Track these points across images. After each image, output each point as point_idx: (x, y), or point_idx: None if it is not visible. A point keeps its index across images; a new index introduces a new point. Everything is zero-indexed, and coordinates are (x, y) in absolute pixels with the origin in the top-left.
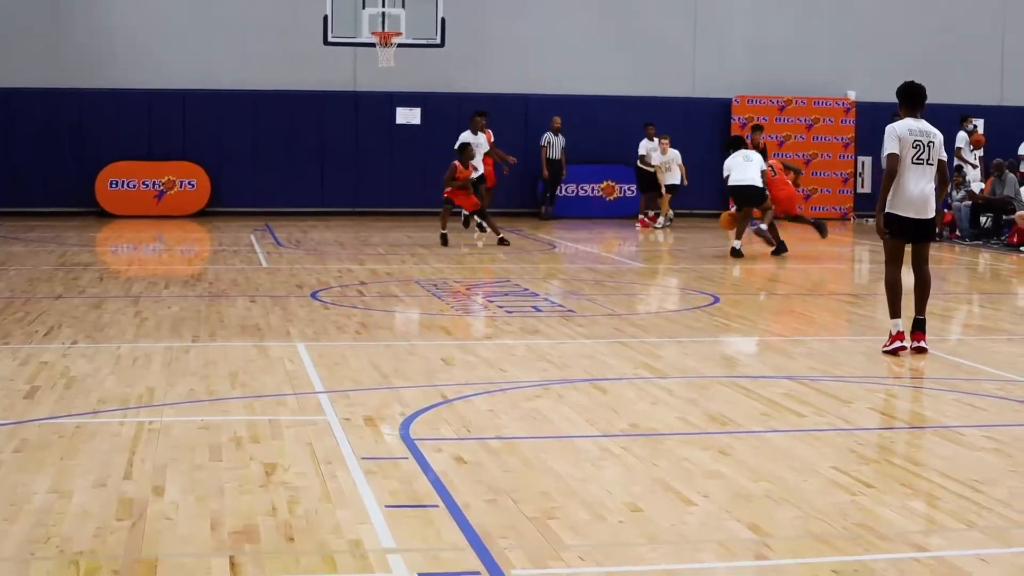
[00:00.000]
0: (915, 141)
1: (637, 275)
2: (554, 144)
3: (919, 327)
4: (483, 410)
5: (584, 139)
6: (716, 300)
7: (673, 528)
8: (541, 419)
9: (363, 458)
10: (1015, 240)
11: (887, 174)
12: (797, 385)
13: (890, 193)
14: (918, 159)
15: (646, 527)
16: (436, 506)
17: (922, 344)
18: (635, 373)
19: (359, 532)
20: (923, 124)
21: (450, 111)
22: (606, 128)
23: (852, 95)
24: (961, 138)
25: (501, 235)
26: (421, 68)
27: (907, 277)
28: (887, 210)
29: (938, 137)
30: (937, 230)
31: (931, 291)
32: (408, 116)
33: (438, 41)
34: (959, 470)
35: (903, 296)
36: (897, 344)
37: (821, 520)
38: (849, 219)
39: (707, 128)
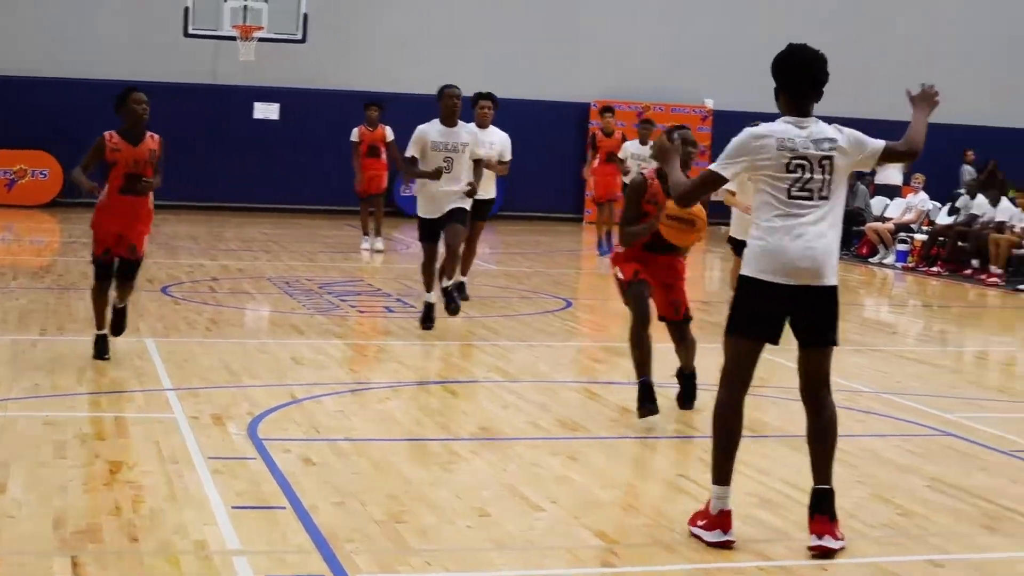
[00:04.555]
0: (793, 161)
1: (490, 277)
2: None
3: (821, 506)
4: (332, 411)
5: None
6: (569, 304)
7: (521, 534)
8: (391, 421)
9: (210, 457)
10: (864, 251)
11: (698, 187)
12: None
13: (750, 248)
14: (802, 190)
15: (494, 532)
16: (283, 508)
17: (826, 543)
18: (486, 376)
19: (204, 533)
20: (814, 127)
21: (310, 107)
22: None
23: (709, 103)
24: None
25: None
26: (282, 63)
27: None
28: (743, 272)
29: (844, 141)
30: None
31: None
32: (266, 111)
33: (300, 36)
34: (804, 479)
35: (739, 439)
36: (718, 535)
37: (668, 528)
38: None
39: (565, 133)
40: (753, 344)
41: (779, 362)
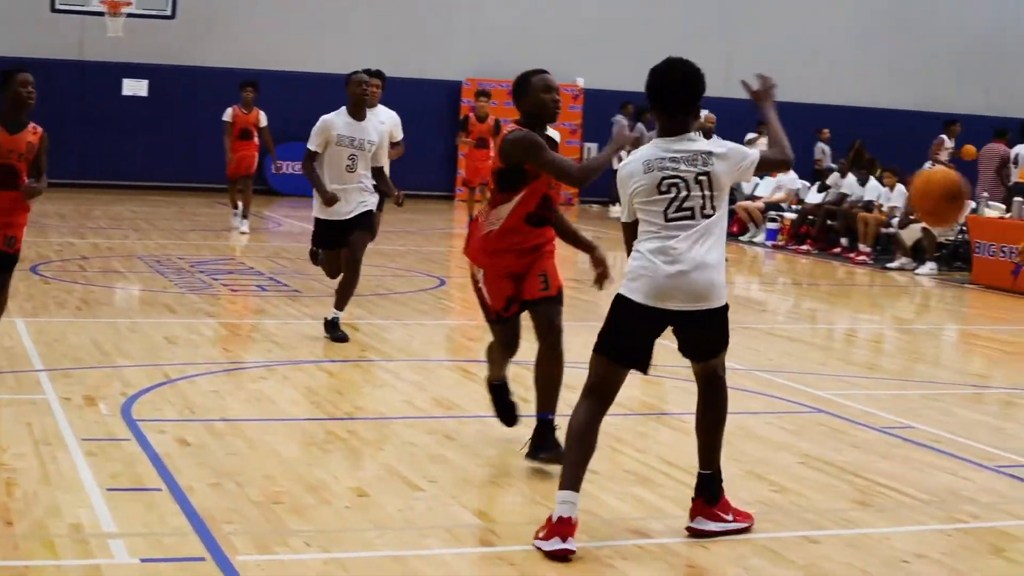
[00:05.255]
0: (666, 181)
1: (363, 255)
2: None
3: (697, 489)
4: (207, 391)
5: (313, 117)
6: (442, 283)
7: (400, 514)
8: (266, 401)
9: (83, 439)
10: (735, 230)
11: (626, 243)
12: (522, 370)
13: (628, 267)
14: (679, 210)
15: (372, 512)
16: (159, 489)
17: (696, 524)
18: (361, 355)
19: (80, 516)
20: (687, 144)
21: (179, 84)
22: (335, 106)
23: (580, 82)
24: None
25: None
26: (151, 39)
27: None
28: (619, 290)
29: (721, 153)
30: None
31: None
32: (135, 88)
33: (168, 12)
34: (681, 457)
35: (592, 453)
36: (555, 543)
37: (546, 506)
38: (573, 204)
39: (436, 111)
40: (618, 367)
41: (660, 343)
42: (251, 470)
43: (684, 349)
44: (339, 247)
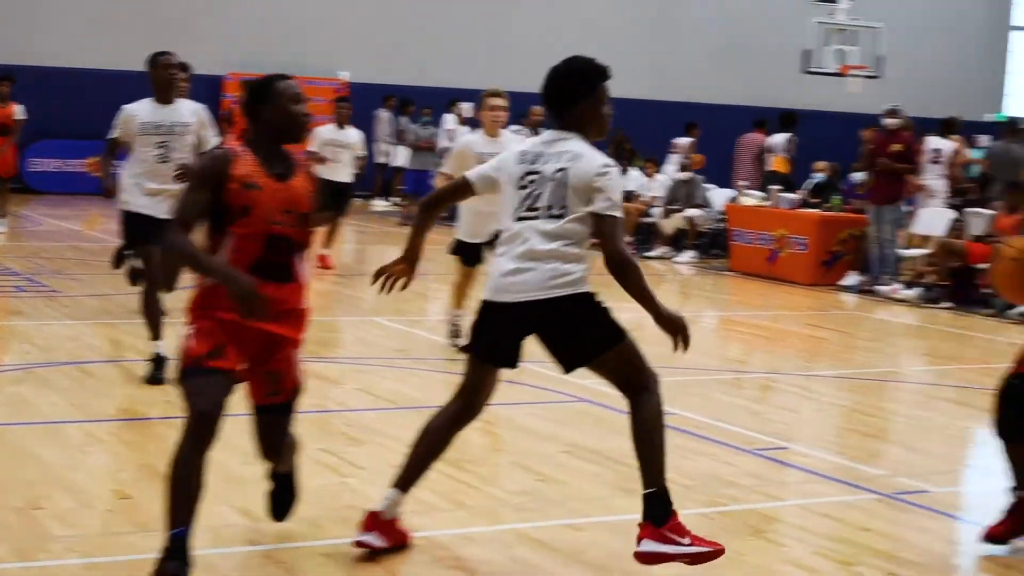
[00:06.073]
0: (528, 176)
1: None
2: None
3: (654, 511)
4: None
5: (69, 114)
6: None
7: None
8: (24, 404)
9: None
10: None
11: (439, 191)
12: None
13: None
14: (529, 210)
15: (136, 515)
16: None
17: (656, 546)
18: (120, 355)
19: None
20: (561, 143)
21: None
22: (93, 103)
23: (345, 76)
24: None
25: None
26: None
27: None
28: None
29: (577, 163)
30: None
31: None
32: None
33: None
34: (449, 450)
35: (434, 458)
36: (356, 534)
37: (310, 503)
38: None
39: None
40: (484, 366)
41: (420, 334)
42: (10, 476)
43: (560, 357)
44: (152, 240)
